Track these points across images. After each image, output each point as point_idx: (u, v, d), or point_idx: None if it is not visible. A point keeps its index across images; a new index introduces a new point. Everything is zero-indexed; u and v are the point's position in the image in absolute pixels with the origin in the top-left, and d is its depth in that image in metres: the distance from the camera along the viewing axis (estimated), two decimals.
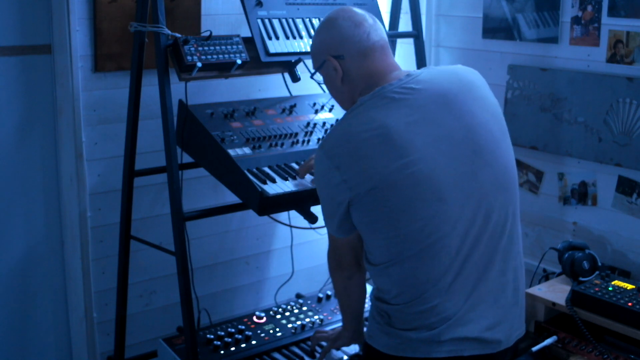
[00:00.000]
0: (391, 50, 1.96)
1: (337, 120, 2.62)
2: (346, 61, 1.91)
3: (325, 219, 1.93)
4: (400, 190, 1.73)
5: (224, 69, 2.40)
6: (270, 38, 2.46)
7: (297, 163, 2.42)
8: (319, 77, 2.06)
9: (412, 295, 1.79)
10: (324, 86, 2.10)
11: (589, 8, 2.63)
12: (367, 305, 2.49)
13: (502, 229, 1.82)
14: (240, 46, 2.42)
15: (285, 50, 2.48)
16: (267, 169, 2.33)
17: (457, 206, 1.75)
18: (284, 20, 2.53)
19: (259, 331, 2.60)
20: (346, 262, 2.05)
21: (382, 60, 1.91)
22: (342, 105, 2.01)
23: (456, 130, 1.79)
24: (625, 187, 2.62)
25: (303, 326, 2.64)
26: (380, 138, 1.75)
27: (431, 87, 1.83)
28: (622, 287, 2.35)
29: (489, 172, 1.81)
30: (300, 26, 2.56)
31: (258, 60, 2.44)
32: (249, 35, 2.45)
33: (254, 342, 2.53)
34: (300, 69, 2.62)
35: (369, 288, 2.37)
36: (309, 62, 2.54)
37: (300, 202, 2.30)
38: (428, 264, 1.76)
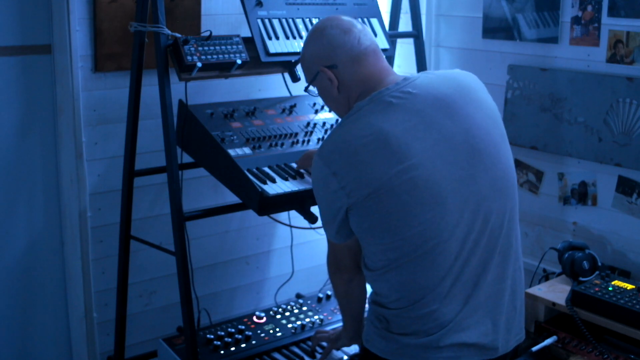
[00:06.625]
0: (383, 55, 1.93)
1: (337, 120, 2.62)
2: (339, 70, 1.88)
3: (323, 225, 1.91)
4: (398, 196, 1.71)
5: (224, 69, 2.40)
6: (270, 38, 2.46)
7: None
8: (312, 89, 2.02)
9: (411, 300, 1.78)
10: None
11: (589, 8, 2.63)
12: (367, 306, 2.49)
13: (498, 234, 1.81)
14: (240, 46, 2.42)
15: (285, 50, 2.48)
16: (267, 169, 2.33)
17: (456, 210, 1.74)
18: (284, 20, 2.53)
19: (259, 331, 2.60)
20: (345, 266, 2.03)
21: (376, 65, 1.88)
22: (339, 113, 1.99)
23: (455, 134, 1.77)
24: (625, 187, 2.62)
25: (303, 326, 2.64)
26: (377, 143, 1.72)
27: (429, 92, 1.80)
28: (622, 287, 2.35)
29: (488, 176, 1.79)
30: (300, 26, 2.56)
31: (258, 60, 2.44)
32: (249, 35, 2.45)
33: (254, 342, 2.53)
34: (300, 69, 2.62)
35: (369, 289, 2.36)
36: None
37: (300, 202, 2.30)
38: (427, 269, 1.75)
